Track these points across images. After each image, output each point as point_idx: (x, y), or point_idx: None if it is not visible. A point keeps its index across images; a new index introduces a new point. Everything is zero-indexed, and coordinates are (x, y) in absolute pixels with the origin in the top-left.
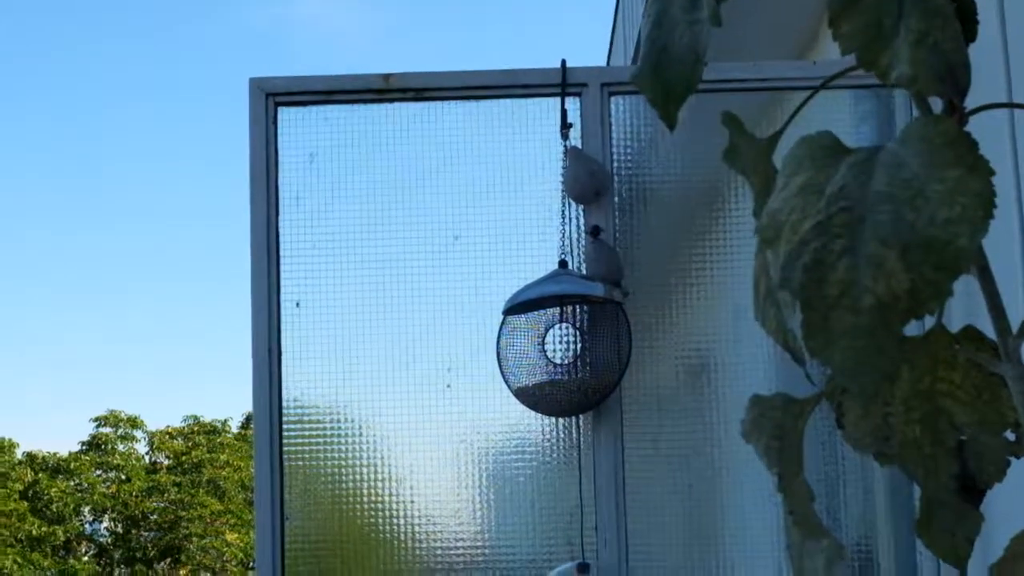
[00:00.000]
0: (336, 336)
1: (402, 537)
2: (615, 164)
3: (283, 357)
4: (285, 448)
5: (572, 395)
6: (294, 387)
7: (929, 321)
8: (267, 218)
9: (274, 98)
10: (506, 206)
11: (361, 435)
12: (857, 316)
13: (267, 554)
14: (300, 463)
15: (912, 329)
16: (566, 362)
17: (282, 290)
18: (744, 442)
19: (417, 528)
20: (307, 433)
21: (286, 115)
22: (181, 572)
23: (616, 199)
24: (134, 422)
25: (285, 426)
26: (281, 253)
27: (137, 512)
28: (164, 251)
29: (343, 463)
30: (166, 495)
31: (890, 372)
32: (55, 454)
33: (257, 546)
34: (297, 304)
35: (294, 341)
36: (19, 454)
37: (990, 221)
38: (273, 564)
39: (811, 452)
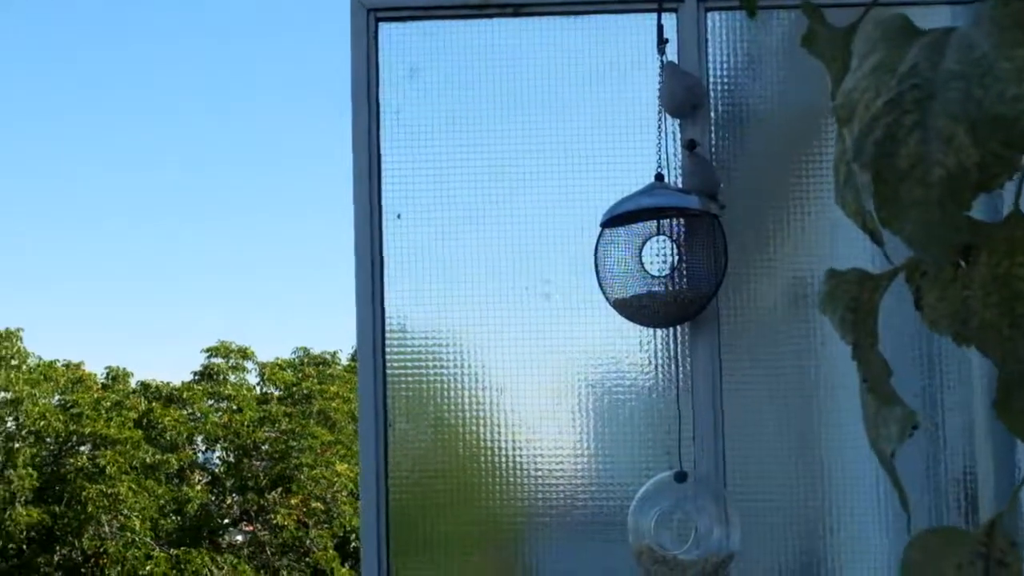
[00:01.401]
0: (436, 248)
1: (502, 446)
2: (711, 79)
3: (385, 269)
4: (388, 358)
5: (669, 306)
6: (396, 298)
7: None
8: (368, 131)
9: (375, 13)
10: (603, 121)
11: (461, 346)
12: (927, 188)
13: (371, 461)
14: (402, 373)
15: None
16: (663, 274)
17: (383, 202)
18: (843, 355)
19: (516, 438)
20: (409, 344)
21: (386, 30)
22: (292, 501)
23: (712, 114)
24: (245, 353)
25: (388, 336)
26: (383, 166)
27: (248, 442)
28: (278, 183)
29: (444, 372)
30: (277, 425)
31: (959, 243)
32: (168, 384)
33: (361, 459)
34: (398, 216)
35: (396, 253)
36: (133, 383)
37: None
38: (377, 470)
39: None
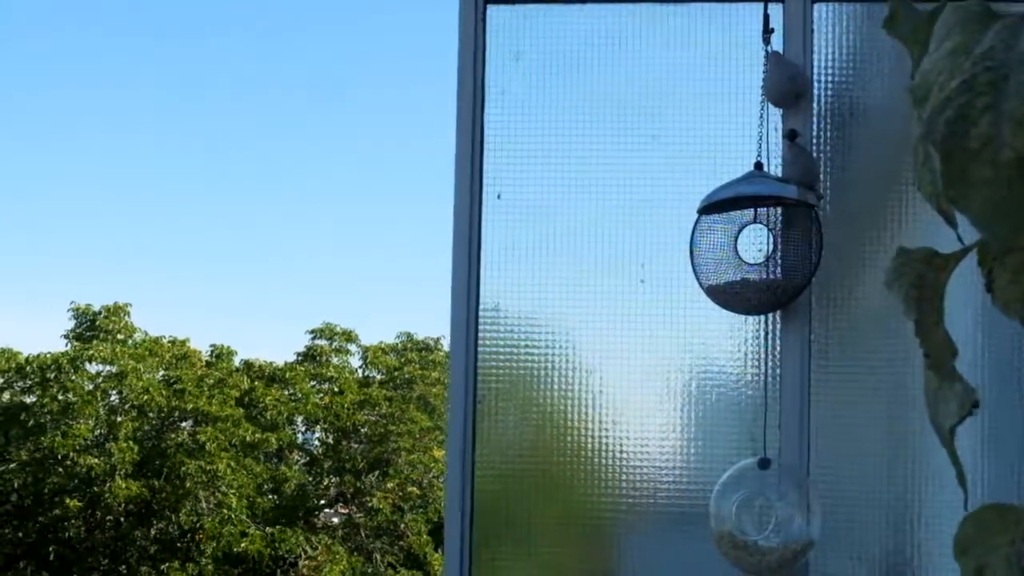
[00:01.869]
0: (534, 230)
1: (589, 427)
2: (815, 70)
3: (482, 251)
4: (480, 339)
5: (762, 294)
6: (491, 280)
7: None
8: (472, 113)
9: None
10: (705, 108)
11: (554, 329)
12: (996, 169)
13: (458, 443)
14: (495, 355)
15: None
16: (757, 262)
17: (484, 185)
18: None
19: (604, 421)
20: (502, 326)
21: (494, 13)
22: (388, 485)
23: (815, 105)
24: (349, 336)
25: (481, 317)
26: (485, 148)
27: (348, 424)
28: (386, 165)
29: (536, 355)
30: (377, 409)
31: (1022, 224)
32: (271, 363)
33: (448, 441)
34: (499, 196)
35: (494, 235)
36: (237, 362)
37: None
38: (464, 453)
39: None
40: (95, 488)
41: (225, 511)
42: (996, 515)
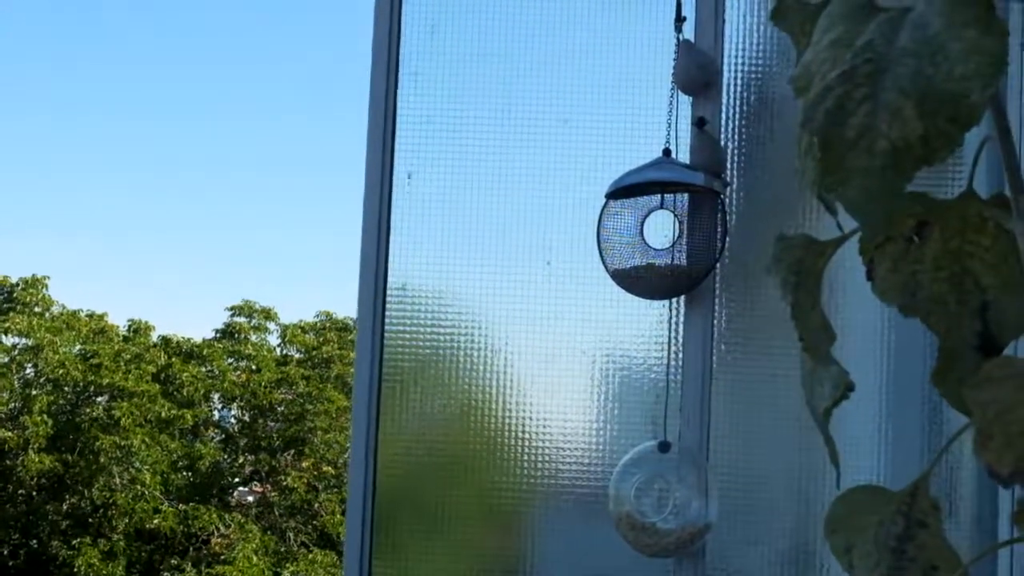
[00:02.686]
0: (444, 210)
1: (492, 408)
2: (726, 59)
3: (392, 230)
4: (388, 318)
5: (666, 279)
6: (400, 259)
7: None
8: (385, 90)
9: None
10: (616, 94)
11: (462, 306)
12: (872, 158)
13: (362, 424)
14: (402, 333)
15: None
16: (663, 247)
17: (396, 163)
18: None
19: (507, 402)
20: (409, 305)
21: None
22: (304, 464)
23: (724, 94)
24: (268, 314)
25: (389, 296)
26: (397, 125)
27: (265, 402)
28: (309, 141)
29: (442, 334)
30: (294, 387)
31: (896, 214)
32: (189, 339)
33: (353, 421)
34: (409, 176)
35: (403, 214)
36: (154, 337)
37: (1001, 77)
38: (367, 436)
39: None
40: (7, 461)
41: (139, 487)
42: (866, 496)
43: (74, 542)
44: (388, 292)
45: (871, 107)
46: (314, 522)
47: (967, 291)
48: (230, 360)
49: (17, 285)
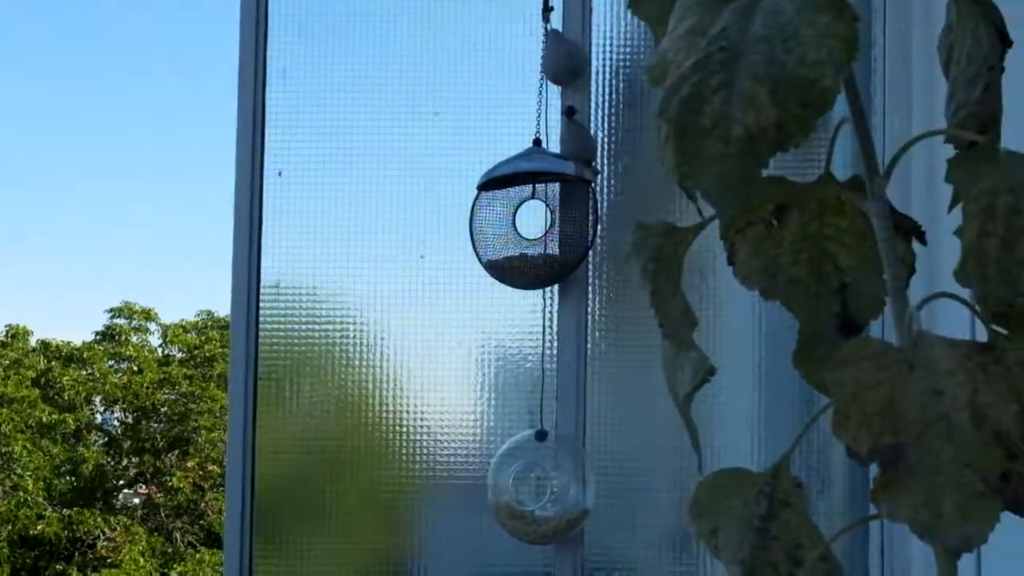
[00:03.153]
0: (316, 207)
1: (369, 403)
2: (595, 48)
3: (264, 228)
4: (262, 316)
5: (539, 269)
6: (273, 257)
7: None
8: (254, 86)
9: None
10: (487, 85)
11: (337, 302)
12: (727, 145)
13: (239, 423)
14: (276, 331)
15: None
16: (535, 237)
17: (265, 160)
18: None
19: (384, 396)
20: (284, 302)
21: None
22: (189, 464)
23: (594, 83)
24: (148, 315)
25: (263, 294)
26: (267, 122)
27: (148, 403)
28: (183, 142)
29: (317, 330)
30: (177, 387)
31: (753, 199)
32: (69, 343)
33: (230, 419)
34: (279, 173)
35: (275, 211)
36: (33, 342)
37: (852, 63)
38: (245, 435)
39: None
40: None
41: (21, 494)
42: (730, 479)
43: None
44: (261, 290)
45: (726, 95)
46: (201, 522)
47: (826, 273)
48: (111, 362)
49: None
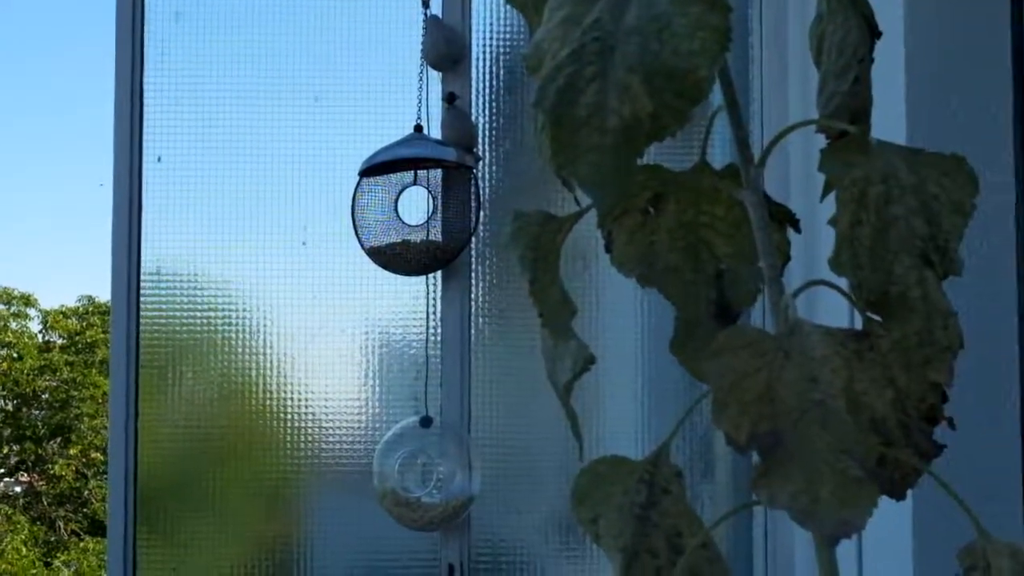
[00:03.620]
0: (196, 193)
1: (252, 391)
2: (475, 34)
3: (144, 214)
4: (143, 304)
5: (422, 255)
6: (153, 244)
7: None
8: (131, 73)
9: None
10: (365, 71)
11: (219, 289)
12: (603, 135)
13: (120, 413)
14: (157, 319)
15: None
16: (418, 223)
17: (144, 145)
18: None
19: (268, 383)
20: (165, 290)
21: None
22: (71, 451)
23: (474, 69)
24: (28, 300)
25: (144, 281)
26: (145, 107)
27: (28, 390)
28: (58, 125)
29: (199, 318)
30: (58, 374)
31: (629, 189)
32: None
33: (111, 410)
34: (159, 159)
35: (155, 198)
36: None
37: (726, 54)
38: (127, 424)
39: None
40: None
41: None
42: (610, 467)
43: None
44: (142, 277)
45: (601, 85)
46: (84, 509)
47: (702, 260)
48: None
49: None
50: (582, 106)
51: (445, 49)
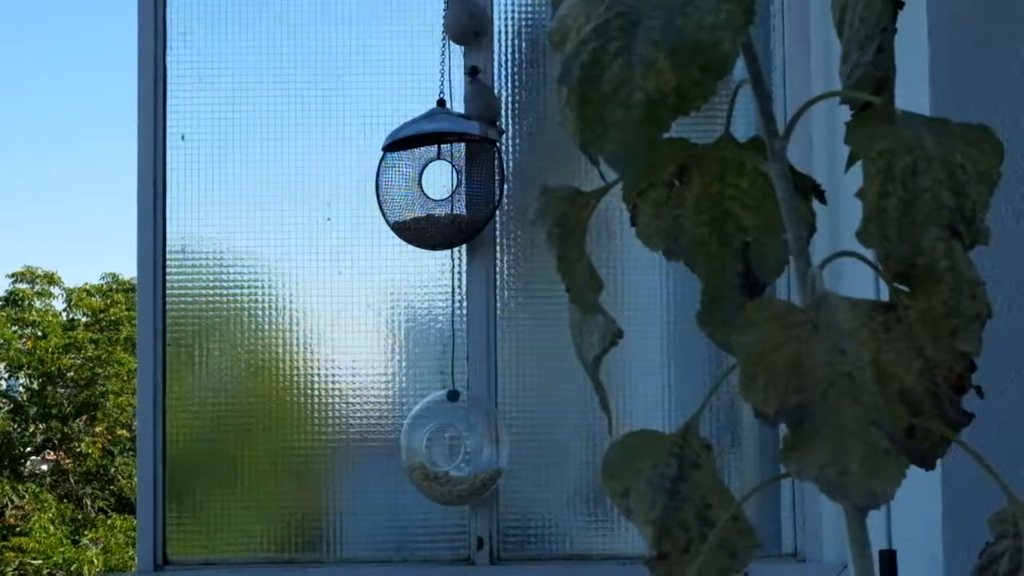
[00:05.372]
0: (220, 171)
1: (280, 367)
2: (496, 7)
3: (168, 192)
4: (168, 281)
5: (446, 229)
6: (178, 221)
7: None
8: (154, 52)
9: None
10: (387, 46)
11: (244, 266)
12: (628, 111)
13: (148, 390)
14: (183, 296)
15: None
16: (442, 198)
17: (168, 124)
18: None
19: (295, 359)
20: (190, 267)
21: None
22: (97, 429)
23: (496, 42)
24: (52, 279)
25: (169, 259)
26: (168, 85)
27: (53, 369)
28: (82, 104)
29: (225, 295)
30: (83, 352)
31: (655, 163)
32: None
33: (139, 385)
34: (182, 137)
35: (179, 175)
36: None
37: (751, 26)
38: (155, 395)
39: None
40: None
41: None
42: (641, 441)
43: None
44: (167, 255)
45: (625, 60)
46: (111, 487)
47: (728, 233)
48: (14, 328)
49: None
50: (607, 81)
51: (467, 23)
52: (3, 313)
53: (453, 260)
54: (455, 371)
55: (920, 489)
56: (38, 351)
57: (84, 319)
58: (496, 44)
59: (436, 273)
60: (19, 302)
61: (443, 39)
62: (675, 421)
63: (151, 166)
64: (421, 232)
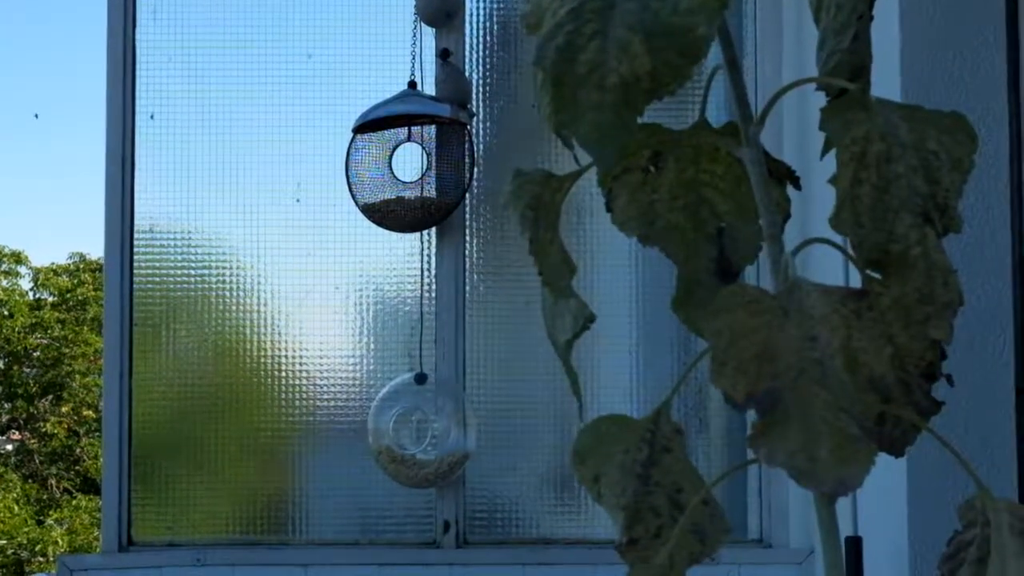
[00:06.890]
0: (189, 151)
1: (247, 347)
2: None
3: (136, 171)
4: (136, 260)
5: (416, 212)
6: (146, 200)
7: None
8: (124, 29)
9: None
10: (358, 27)
11: (213, 247)
12: (603, 94)
13: (114, 370)
14: (150, 274)
15: None
16: (412, 180)
17: (137, 103)
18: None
19: (263, 341)
20: (158, 246)
21: None
22: (63, 409)
23: (468, 25)
24: (18, 257)
25: (136, 238)
26: (137, 64)
27: (19, 348)
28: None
29: (193, 274)
30: (49, 332)
31: (629, 147)
32: None
33: (105, 365)
34: (151, 116)
35: (148, 154)
36: None
37: (725, 10)
38: (121, 381)
39: None
40: None
41: None
42: (612, 426)
43: None
44: (135, 235)
45: (600, 43)
46: (76, 467)
47: (703, 219)
48: None
49: None
50: (582, 64)
51: (439, 4)
52: None
53: (423, 243)
54: (423, 354)
55: (886, 476)
56: (4, 330)
57: (51, 299)
58: (468, 26)
59: (405, 256)
60: None
61: (415, 21)
62: (643, 405)
63: (120, 145)
64: (391, 214)
